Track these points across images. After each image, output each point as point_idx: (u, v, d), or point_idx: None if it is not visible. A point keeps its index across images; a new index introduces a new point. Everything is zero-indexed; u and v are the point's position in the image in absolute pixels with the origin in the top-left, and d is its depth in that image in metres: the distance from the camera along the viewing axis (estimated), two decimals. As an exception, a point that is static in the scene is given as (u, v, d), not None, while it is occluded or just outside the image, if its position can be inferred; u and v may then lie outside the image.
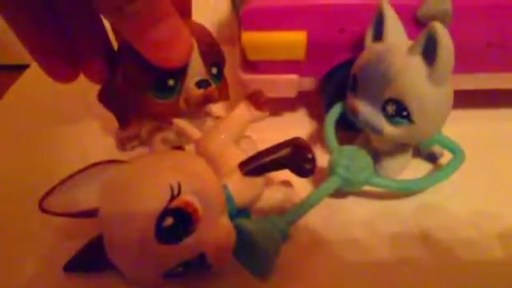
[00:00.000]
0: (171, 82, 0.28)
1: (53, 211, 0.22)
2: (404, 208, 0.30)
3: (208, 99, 0.29)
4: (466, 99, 0.33)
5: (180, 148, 0.27)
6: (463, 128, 0.32)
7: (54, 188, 0.22)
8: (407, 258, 0.26)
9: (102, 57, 0.29)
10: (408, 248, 0.27)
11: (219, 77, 0.31)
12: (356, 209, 0.30)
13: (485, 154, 0.33)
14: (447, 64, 0.26)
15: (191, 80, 0.28)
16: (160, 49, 0.25)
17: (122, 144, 0.35)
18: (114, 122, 0.32)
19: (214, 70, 0.30)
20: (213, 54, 0.30)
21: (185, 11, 0.29)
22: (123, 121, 0.32)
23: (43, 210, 0.21)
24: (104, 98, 0.31)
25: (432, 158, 0.33)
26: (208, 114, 0.34)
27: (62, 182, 0.22)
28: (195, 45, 0.28)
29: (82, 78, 0.30)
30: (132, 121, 0.32)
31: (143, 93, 0.28)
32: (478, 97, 0.38)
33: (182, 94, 0.29)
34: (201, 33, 0.29)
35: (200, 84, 0.28)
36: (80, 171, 0.22)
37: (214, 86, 0.29)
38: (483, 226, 0.28)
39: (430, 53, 0.26)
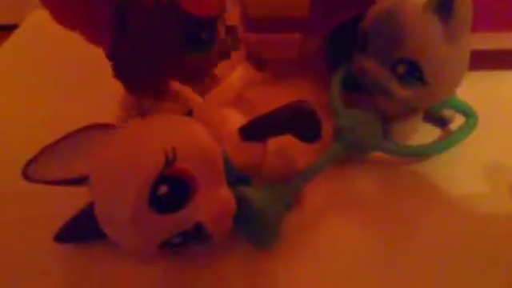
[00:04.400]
0: (205, 35, 0.27)
1: (38, 179, 0.20)
2: (414, 169, 0.29)
3: (234, 46, 0.30)
4: (480, 60, 0.31)
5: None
6: (476, 90, 0.30)
7: (39, 154, 0.21)
8: (419, 219, 0.26)
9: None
10: (419, 204, 0.27)
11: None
12: (362, 174, 0.29)
13: (497, 114, 0.32)
14: (464, 20, 0.25)
15: (220, 31, 0.28)
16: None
17: (126, 113, 0.33)
18: (112, 92, 0.31)
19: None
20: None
21: None
22: (132, 88, 0.31)
23: (27, 178, 0.20)
24: (117, 69, 0.29)
25: (443, 123, 0.32)
26: (209, 77, 0.33)
27: (48, 147, 0.21)
28: None
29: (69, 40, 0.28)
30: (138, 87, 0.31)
31: (173, 52, 0.27)
32: (494, 57, 0.36)
33: (215, 46, 0.28)
34: None
35: (228, 30, 0.29)
36: (67, 136, 0.21)
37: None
38: (497, 182, 0.28)
39: (445, 8, 0.24)
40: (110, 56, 0.28)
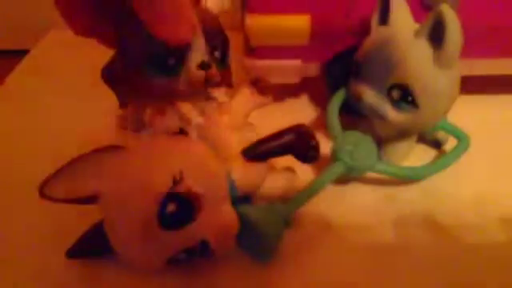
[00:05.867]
0: (172, 61, 0.28)
1: (54, 197, 0.21)
2: (407, 193, 0.30)
3: (208, 81, 0.29)
4: (471, 85, 0.32)
5: (183, 132, 0.27)
6: (467, 114, 0.31)
7: (54, 173, 0.22)
8: (411, 244, 0.26)
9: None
10: (412, 233, 0.27)
11: (222, 61, 0.30)
12: (359, 195, 0.30)
13: (489, 140, 0.33)
14: (455, 47, 0.26)
15: (193, 61, 0.28)
16: (165, 22, 0.25)
17: (123, 126, 0.34)
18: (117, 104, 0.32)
19: (217, 54, 0.29)
20: (216, 38, 0.29)
21: None
22: (122, 100, 0.31)
23: (44, 196, 0.21)
24: (106, 75, 0.30)
25: (436, 145, 0.33)
26: (211, 99, 0.34)
27: (63, 168, 0.22)
28: (199, 27, 0.28)
29: (82, 60, 0.29)
30: (131, 100, 0.32)
31: (143, 71, 0.28)
32: (484, 82, 0.37)
33: (183, 75, 0.28)
34: (206, 16, 0.29)
35: (201, 66, 0.28)
36: (81, 157, 0.22)
37: (215, 68, 0.29)
38: (486, 210, 0.28)
39: (437, 36, 0.26)
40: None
